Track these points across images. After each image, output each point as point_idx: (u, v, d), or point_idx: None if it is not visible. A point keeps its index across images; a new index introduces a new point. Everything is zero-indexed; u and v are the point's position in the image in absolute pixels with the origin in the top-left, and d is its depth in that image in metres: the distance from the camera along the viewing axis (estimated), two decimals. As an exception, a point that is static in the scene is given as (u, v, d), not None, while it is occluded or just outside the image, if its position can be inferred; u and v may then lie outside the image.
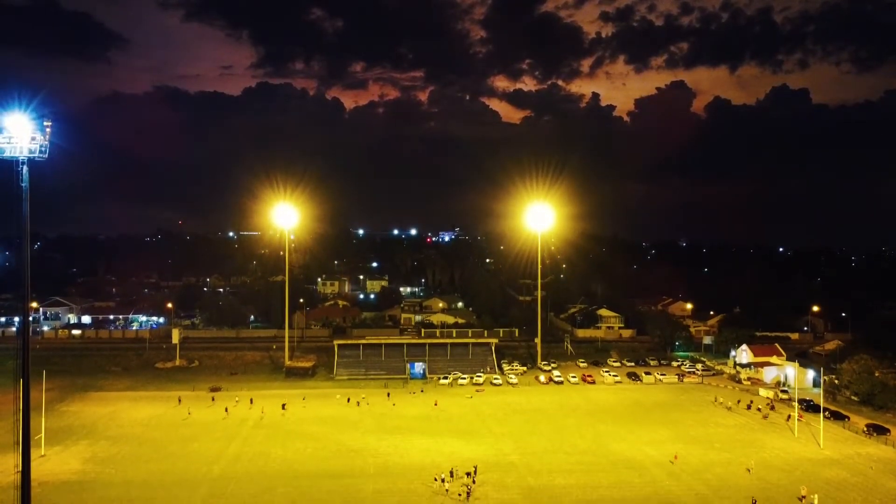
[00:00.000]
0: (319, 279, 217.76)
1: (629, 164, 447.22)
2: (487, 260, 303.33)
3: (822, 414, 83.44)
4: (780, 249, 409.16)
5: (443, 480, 63.15)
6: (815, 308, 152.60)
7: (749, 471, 67.41)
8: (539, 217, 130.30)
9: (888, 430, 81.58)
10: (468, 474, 64.21)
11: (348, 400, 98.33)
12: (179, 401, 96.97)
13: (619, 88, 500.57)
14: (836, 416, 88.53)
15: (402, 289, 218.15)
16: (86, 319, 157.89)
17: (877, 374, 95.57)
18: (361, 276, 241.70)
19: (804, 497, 58.84)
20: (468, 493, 60.69)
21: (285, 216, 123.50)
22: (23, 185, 31.04)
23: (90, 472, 68.02)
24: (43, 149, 31.31)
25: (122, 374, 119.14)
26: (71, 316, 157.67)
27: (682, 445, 76.93)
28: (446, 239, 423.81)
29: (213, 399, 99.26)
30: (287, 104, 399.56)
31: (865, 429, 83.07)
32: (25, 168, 30.86)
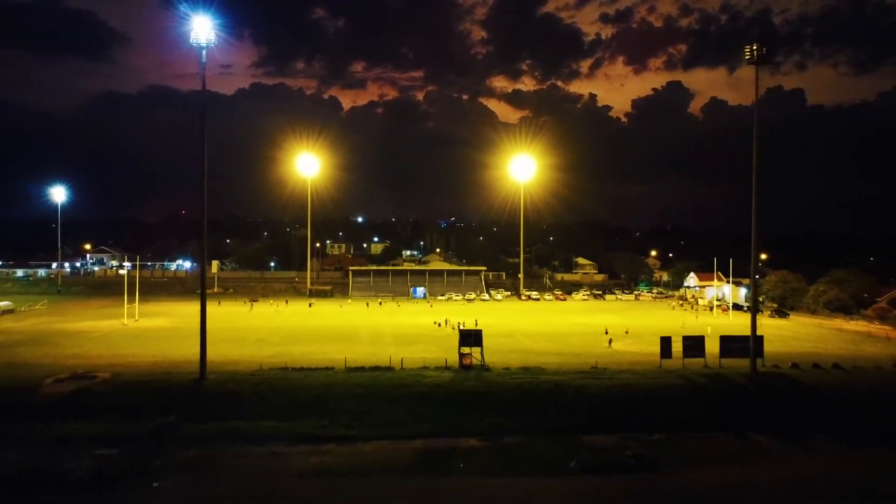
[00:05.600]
0: (328, 242, 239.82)
1: (624, 163, 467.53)
2: (481, 238, 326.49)
3: (730, 308, 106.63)
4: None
5: (439, 325, 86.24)
6: (764, 256, 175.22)
7: (682, 327, 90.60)
8: (523, 170, 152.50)
9: (787, 314, 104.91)
10: (459, 323, 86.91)
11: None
12: (219, 303, 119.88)
13: (618, 90, 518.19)
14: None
15: (403, 252, 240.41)
16: (126, 265, 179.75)
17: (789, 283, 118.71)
18: (365, 244, 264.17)
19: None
20: (459, 329, 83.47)
21: (307, 165, 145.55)
22: (202, 63, 53.49)
23: (171, 326, 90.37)
24: (210, 42, 53.77)
25: (168, 297, 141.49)
26: (114, 262, 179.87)
27: (628, 321, 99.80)
28: (443, 226, 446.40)
29: (250, 306, 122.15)
30: (283, 104, 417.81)
31: (770, 312, 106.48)
32: (205, 52, 53.39)
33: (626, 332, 79.69)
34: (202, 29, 52.88)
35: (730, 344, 60.91)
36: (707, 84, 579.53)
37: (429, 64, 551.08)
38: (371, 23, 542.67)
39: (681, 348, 60.20)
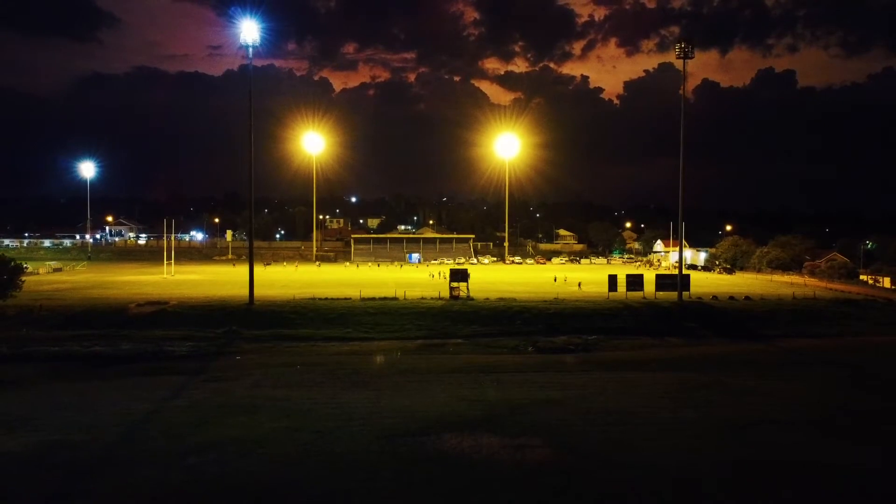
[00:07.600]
0: (327, 217, 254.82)
1: (614, 145, 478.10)
2: (471, 215, 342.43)
3: (683, 268, 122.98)
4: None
5: (433, 276, 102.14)
6: (728, 227, 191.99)
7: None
8: (510, 150, 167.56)
9: (734, 271, 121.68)
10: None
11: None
12: (234, 265, 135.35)
13: (610, 71, 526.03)
14: (706, 269, 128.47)
15: (398, 226, 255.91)
16: (143, 236, 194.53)
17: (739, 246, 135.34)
18: (361, 220, 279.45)
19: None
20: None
21: (312, 143, 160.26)
22: (248, 59, 68.23)
23: (204, 279, 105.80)
24: (255, 42, 68.51)
25: (189, 261, 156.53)
26: (131, 234, 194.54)
27: (595, 276, 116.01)
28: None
29: (264, 267, 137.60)
30: (273, 85, 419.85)
31: (720, 270, 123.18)
32: (251, 49, 68.12)
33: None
34: (249, 31, 67.77)
35: (663, 280, 77.08)
36: (699, 66, 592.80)
37: (421, 45, 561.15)
38: (363, 3, 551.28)
39: (625, 284, 76.26)
